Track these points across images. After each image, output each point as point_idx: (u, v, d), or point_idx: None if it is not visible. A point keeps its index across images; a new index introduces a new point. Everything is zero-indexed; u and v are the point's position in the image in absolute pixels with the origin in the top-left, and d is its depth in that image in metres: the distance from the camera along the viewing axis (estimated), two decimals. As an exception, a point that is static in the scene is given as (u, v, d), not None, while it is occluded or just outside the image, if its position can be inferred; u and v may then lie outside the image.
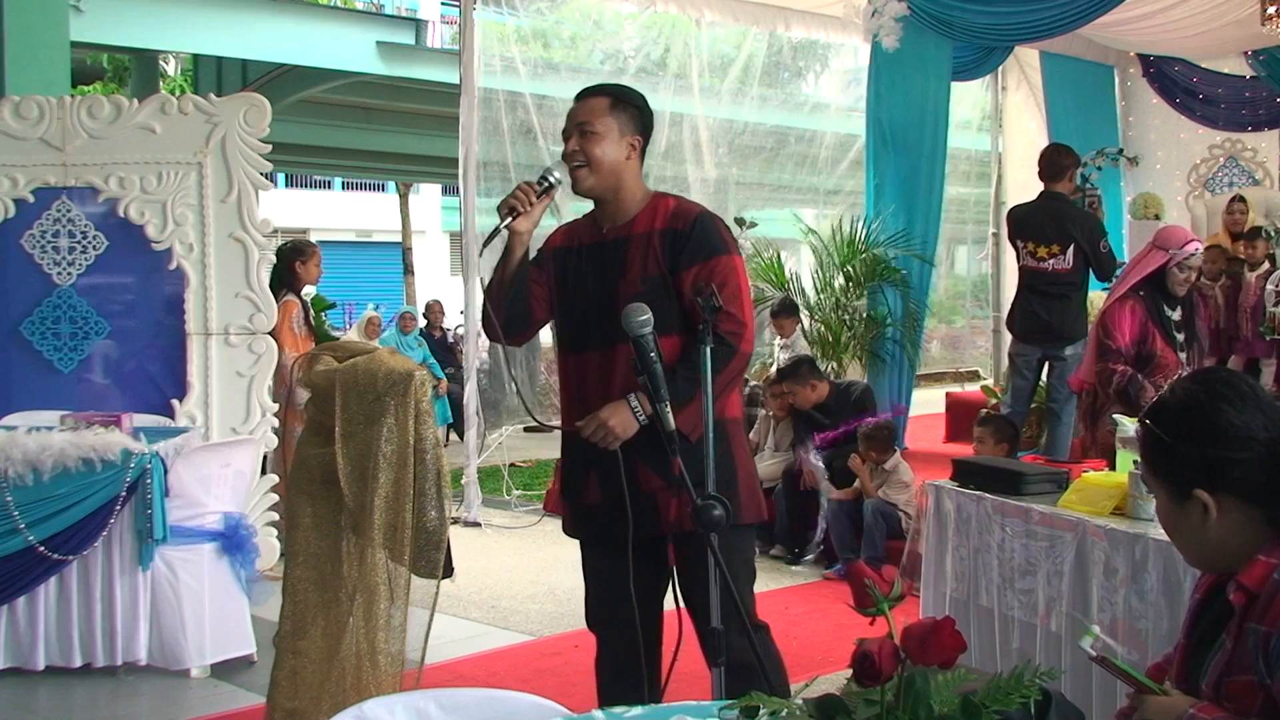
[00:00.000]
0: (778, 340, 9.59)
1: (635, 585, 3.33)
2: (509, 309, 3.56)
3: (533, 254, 3.62)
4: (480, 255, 3.34)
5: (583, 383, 3.55)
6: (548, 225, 3.95)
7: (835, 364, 9.64)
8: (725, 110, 11.16)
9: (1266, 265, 9.14)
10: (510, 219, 3.44)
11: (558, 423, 3.73)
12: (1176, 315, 5.79)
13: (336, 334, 11.71)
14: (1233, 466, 2.08)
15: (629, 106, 3.57)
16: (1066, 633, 4.01)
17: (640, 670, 3.52)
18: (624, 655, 3.56)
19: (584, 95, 3.63)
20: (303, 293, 7.81)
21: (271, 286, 7.61)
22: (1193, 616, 2.26)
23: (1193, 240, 5.77)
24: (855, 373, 9.72)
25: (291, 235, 23.83)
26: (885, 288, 9.80)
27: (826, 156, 11.85)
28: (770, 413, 8.11)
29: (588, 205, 3.66)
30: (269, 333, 6.51)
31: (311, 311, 7.90)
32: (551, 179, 3.49)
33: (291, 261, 7.65)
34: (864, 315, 9.90)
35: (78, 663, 5.33)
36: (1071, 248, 7.70)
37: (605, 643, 3.67)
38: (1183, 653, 2.24)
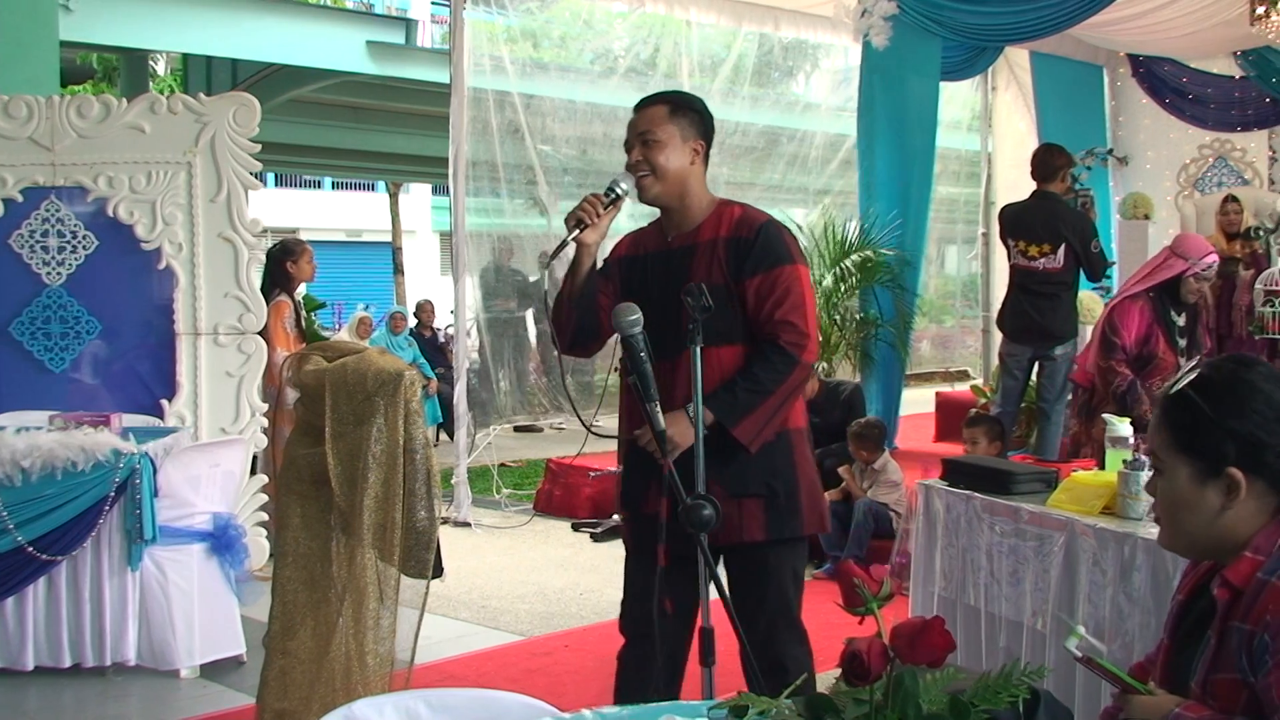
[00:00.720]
0: None
1: (677, 595, 3.28)
2: (578, 322, 3.56)
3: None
4: (546, 267, 3.34)
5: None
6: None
7: (826, 364, 9.65)
8: (716, 110, 11.06)
9: (1255, 264, 9.16)
10: (578, 231, 3.43)
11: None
12: (1181, 320, 5.86)
13: (326, 334, 11.70)
14: (1267, 449, 2.05)
15: (689, 111, 3.57)
16: (1054, 632, 4.02)
17: (664, 676, 3.51)
18: (649, 663, 3.54)
19: (643, 105, 3.61)
20: (297, 292, 7.75)
21: (264, 288, 7.59)
22: (1175, 617, 2.25)
23: (1211, 253, 5.85)
24: (845, 372, 9.72)
25: (281, 235, 23.83)
26: (876, 287, 9.81)
27: (817, 156, 11.85)
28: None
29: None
30: (259, 333, 6.50)
31: (303, 312, 7.86)
32: (619, 190, 3.48)
33: (282, 263, 7.63)
34: (855, 315, 9.91)
35: (67, 663, 5.32)
36: (1063, 247, 7.71)
37: (632, 646, 3.64)
38: (1166, 652, 2.24)
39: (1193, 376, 2.12)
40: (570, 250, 3.51)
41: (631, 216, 5.85)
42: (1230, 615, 2.04)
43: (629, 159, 3.54)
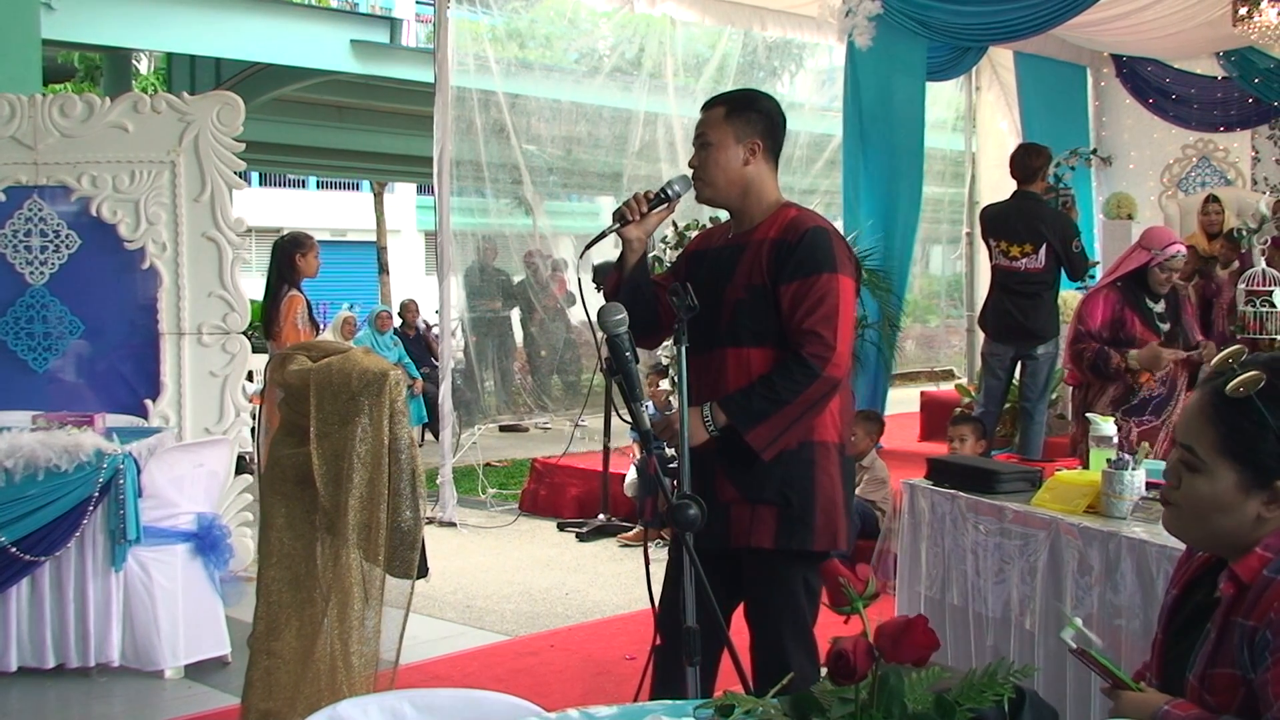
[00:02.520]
0: None
1: (700, 596, 3.29)
2: (629, 311, 3.57)
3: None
4: (581, 256, 3.36)
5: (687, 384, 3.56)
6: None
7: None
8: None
9: (1237, 264, 9.19)
10: (618, 225, 3.48)
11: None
12: (1160, 307, 5.92)
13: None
14: None
15: (747, 111, 3.56)
16: (1040, 631, 4.03)
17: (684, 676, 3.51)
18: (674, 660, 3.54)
19: (706, 107, 3.62)
20: (301, 286, 7.67)
21: (271, 281, 7.54)
22: (1170, 612, 2.25)
23: (1175, 243, 5.91)
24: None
25: (266, 234, 23.75)
26: (862, 289, 9.80)
27: (801, 156, 11.85)
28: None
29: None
30: (269, 330, 6.47)
31: (313, 307, 7.77)
32: (670, 191, 3.52)
33: (291, 254, 7.55)
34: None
35: (50, 664, 5.30)
36: (1044, 247, 7.74)
37: (666, 645, 3.63)
38: (1160, 648, 2.24)
39: (1256, 380, 2.01)
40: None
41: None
42: (1233, 610, 2.03)
43: (690, 160, 3.59)
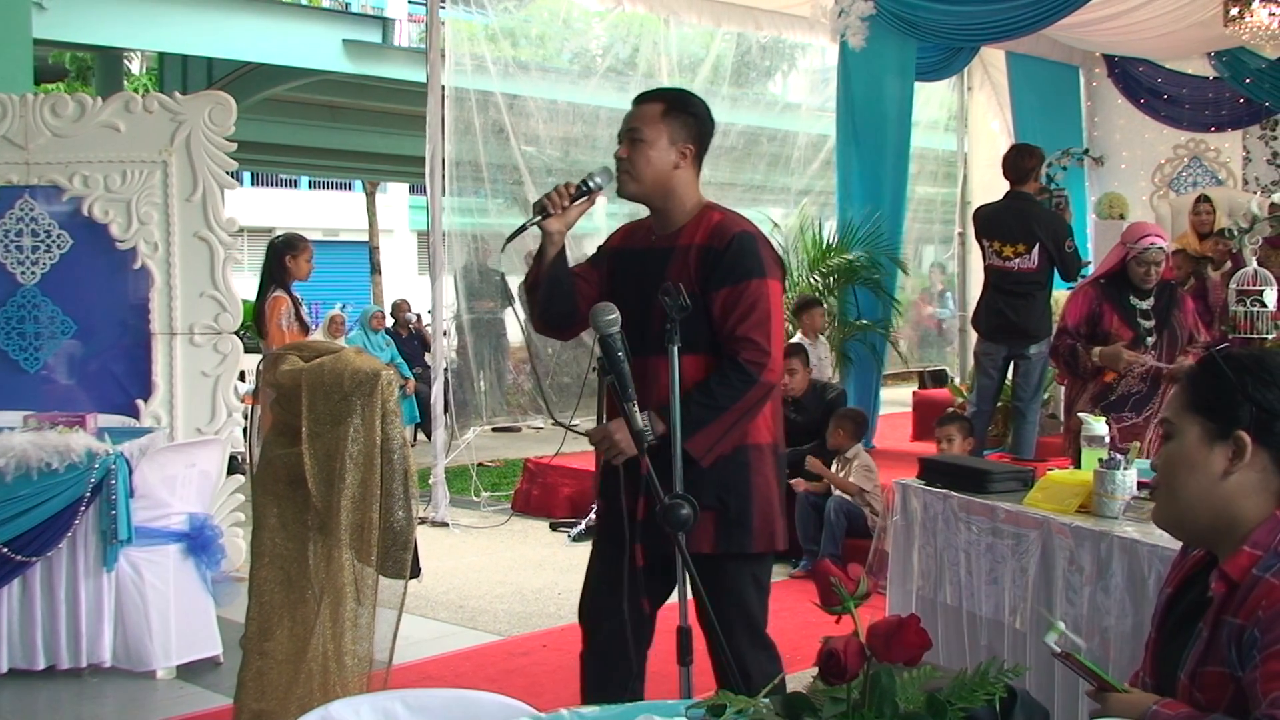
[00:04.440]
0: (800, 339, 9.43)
1: (630, 590, 3.32)
2: (545, 306, 3.58)
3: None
4: (502, 250, 3.37)
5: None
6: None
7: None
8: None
9: (1229, 264, 9.21)
10: (540, 217, 3.46)
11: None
12: (1147, 304, 5.93)
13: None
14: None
15: (683, 114, 3.55)
16: (1031, 630, 4.04)
17: (624, 668, 3.53)
18: (608, 651, 3.55)
19: (640, 100, 3.60)
20: (292, 287, 7.67)
21: (262, 282, 7.54)
22: (1163, 610, 2.26)
23: (1149, 235, 5.93)
24: (825, 373, 9.73)
25: (258, 234, 23.74)
26: (855, 288, 9.83)
27: (799, 157, 11.88)
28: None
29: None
30: (258, 330, 6.47)
31: (303, 308, 7.79)
32: (592, 184, 3.50)
33: (282, 256, 7.56)
34: (836, 316, 9.93)
35: (41, 665, 5.28)
36: (1037, 247, 7.76)
37: (590, 637, 3.66)
38: (1153, 647, 2.25)
39: (1222, 349, 2.14)
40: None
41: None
42: (1224, 609, 2.05)
43: (617, 152, 3.54)
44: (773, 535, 3.49)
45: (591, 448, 3.51)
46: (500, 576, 7.28)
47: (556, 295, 3.56)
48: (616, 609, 3.38)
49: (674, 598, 3.16)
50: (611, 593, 3.41)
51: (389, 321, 14.07)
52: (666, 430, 3.22)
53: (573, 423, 3.54)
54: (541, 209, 3.46)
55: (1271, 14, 9.47)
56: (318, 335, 12.21)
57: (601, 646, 3.58)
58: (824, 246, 9.99)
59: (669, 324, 3.06)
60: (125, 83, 17.79)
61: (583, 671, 3.67)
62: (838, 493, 7.18)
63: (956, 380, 11.78)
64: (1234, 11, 9.50)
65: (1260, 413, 2.07)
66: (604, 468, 3.62)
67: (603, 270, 3.66)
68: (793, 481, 7.38)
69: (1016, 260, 7.81)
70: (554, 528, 8.47)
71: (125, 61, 18.07)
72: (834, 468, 7.34)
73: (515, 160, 9.73)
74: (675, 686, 3.02)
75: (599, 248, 3.77)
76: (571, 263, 3.63)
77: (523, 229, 3.54)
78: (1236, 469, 2.08)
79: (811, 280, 10.00)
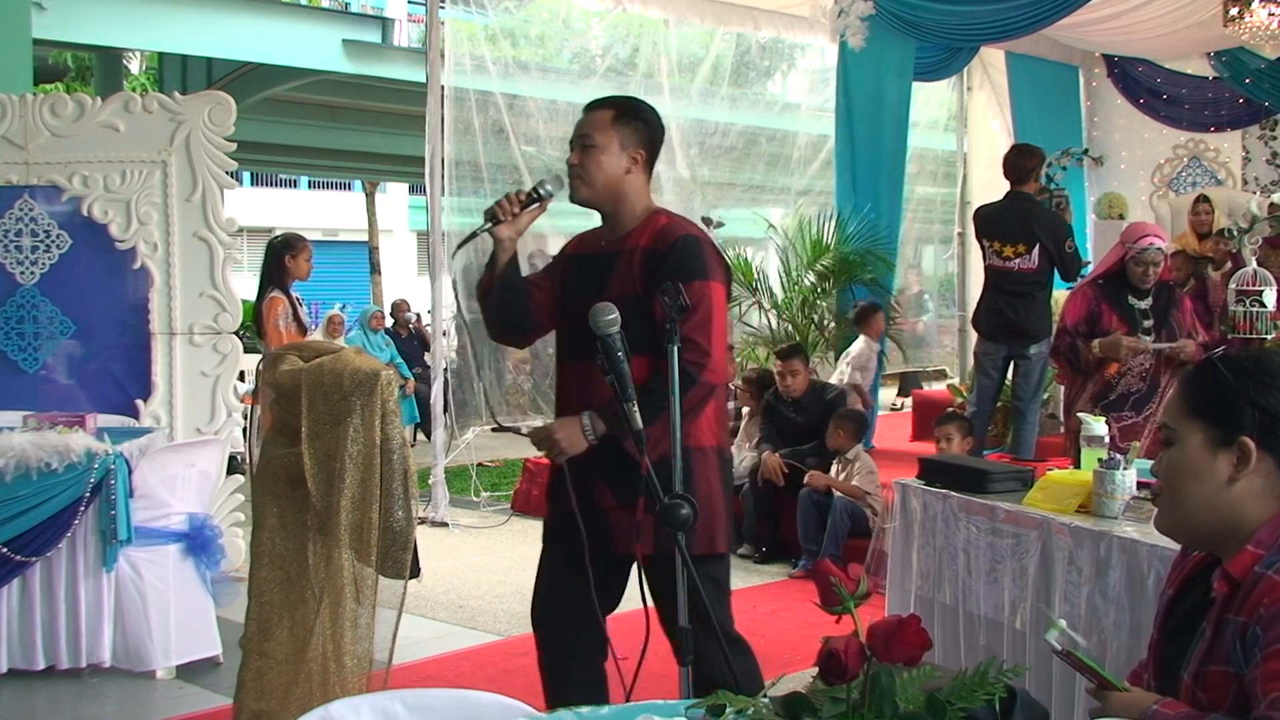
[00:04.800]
0: (862, 342, 9.51)
1: (579, 594, 3.36)
2: (498, 314, 3.62)
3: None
4: (453, 256, 3.40)
5: (566, 393, 3.60)
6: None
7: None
8: (696, 110, 11.18)
9: (1229, 264, 9.21)
10: (490, 224, 3.49)
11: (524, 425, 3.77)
12: (1145, 304, 5.94)
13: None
14: None
15: (634, 120, 3.58)
16: (1031, 630, 4.04)
17: (580, 672, 3.58)
18: (561, 657, 3.63)
19: (591, 107, 3.63)
20: (291, 288, 7.66)
21: (261, 282, 7.53)
22: (1165, 611, 2.25)
23: (1148, 235, 5.95)
24: (825, 373, 9.74)
25: (257, 234, 23.72)
26: (854, 286, 9.84)
27: (799, 156, 11.89)
28: (746, 408, 8.21)
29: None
30: (257, 330, 6.47)
31: (302, 308, 7.79)
32: (543, 191, 3.53)
33: (281, 256, 7.55)
34: (834, 314, 9.94)
35: (41, 665, 5.28)
36: (1037, 247, 7.76)
37: (544, 643, 3.70)
38: (1156, 647, 2.24)
39: (1220, 352, 2.11)
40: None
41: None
42: (1227, 608, 2.04)
43: (569, 159, 3.58)
44: (714, 536, 3.51)
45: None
46: (500, 576, 7.28)
47: (509, 302, 3.60)
48: (571, 610, 3.44)
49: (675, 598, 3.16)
50: (565, 595, 3.48)
51: (389, 321, 14.07)
52: (608, 430, 3.32)
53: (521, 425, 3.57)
54: (492, 216, 3.49)
55: (1271, 14, 9.47)
56: (316, 335, 12.22)
57: (559, 650, 3.63)
58: (822, 245, 9.99)
59: (669, 324, 3.06)
60: (125, 83, 17.78)
61: (544, 679, 3.70)
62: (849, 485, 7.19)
63: (956, 380, 11.78)
64: (1234, 11, 9.50)
65: (1263, 417, 2.05)
66: (552, 469, 3.65)
67: (555, 276, 3.71)
68: (809, 480, 7.38)
69: (1016, 260, 7.81)
70: (554, 528, 8.44)
71: (124, 61, 18.07)
72: (834, 468, 7.34)
73: (515, 160, 9.73)
74: (675, 686, 3.01)
75: (554, 256, 3.82)
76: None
77: (473, 235, 3.56)
78: (1241, 475, 2.05)
79: (809, 279, 10.01)
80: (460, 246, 3.67)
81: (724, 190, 12.17)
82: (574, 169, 3.55)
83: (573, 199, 3.58)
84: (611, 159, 3.52)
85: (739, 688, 3.16)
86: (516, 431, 3.63)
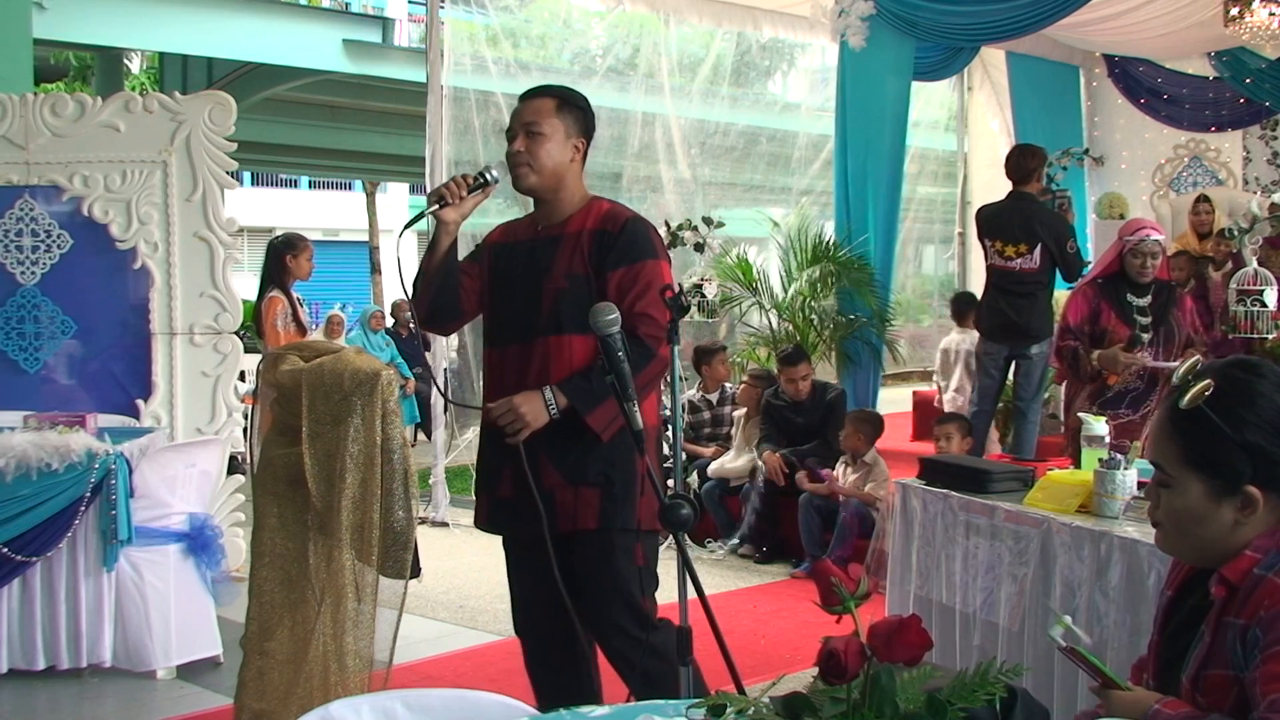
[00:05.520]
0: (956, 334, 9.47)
1: (548, 584, 3.35)
2: (434, 298, 3.65)
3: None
4: (400, 237, 3.41)
5: (502, 376, 3.62)
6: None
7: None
8: (696, 110, 11.18)
9: (1229, 264, 9.21)
10: (437, 207, 3.52)
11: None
12: (1144, 301, 5.95)
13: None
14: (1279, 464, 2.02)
15: (574, 109, 3.65)
16: (1031, 630, 4.04)
17: (569, 670, 3.63)
18: (553, 658, 3.69)
19: (529, 95, 3.70)
20: (292, 288, 7.66)
21: (261, 282, 7.53)
22: (1165, 613, 2.25)
23: (1144, 228, 5.96)
24: (826, 372, 9.73)
25: (257, 234, 23.73)
26: (850, 289, 9.82)
27: (800, 156, 11.88)
28: (743, 409, 8.19)
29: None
30: (257, 330, 6.46)
31: (302, 308, 7.79)
32: (488, 176, 3.57)
33: (282, 255, 7.54)
34: (834, 315, 9.93)
35: (41, 665, 5.28)
36: (1038, 248, 7.75)
37: (533, 648, 3.76)
38: (1156, 649, 2.24)
39: (1204, 390, 2.04)
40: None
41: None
42: (1225, 611, 2.04)
43: (510, 147, 3.62)
44: (653, 514, 3.54)
45: None
46: (500, 576, 7.15)
47: (446, 287, 3.63)
48: (548, 604, 3.46)
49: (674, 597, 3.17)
50: (539, 592, 3.53)
51: (389, 321, 14.05)
52: (569, 405, 3.36)
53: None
54: (439, 198, 3.52)
55: (1271, 14, 9.47)
56: (316, 335, 12.22)
57: (547, 656, 3.71)
58: (821, 246, 9.98)
59: (671, 323, 3.09)
60: (125, 82, 17.78)
61: (531, 678, 3.76)
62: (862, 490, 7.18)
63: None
64: (1234, 11, 9.50)
65: (1263, 462, 2.03)
66: (486, 458, 3.65)
67: (484, 265, 3.75)
68: (806, 486, 7.36)
69: (1018, 260, 7.81)
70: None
71: (125, 61, 18.07)
72: (844, 469, 7.31)
73: (515, 160, 9.72)
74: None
75: (477, 245, 3.87)
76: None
77: (419, 217, 3.61)
78: (1249, 519, 2.04)
79: (807, 278, 9.99)
80: (406, 228, 3.68)
81: (725, 190, 12.16)
82: (519, 156, 3.58)
83: (517, 187, 3.63)
84: (557, 146, 3.58)
85: (649, 664, 3.25)
86: (471, 407, 3.65)
